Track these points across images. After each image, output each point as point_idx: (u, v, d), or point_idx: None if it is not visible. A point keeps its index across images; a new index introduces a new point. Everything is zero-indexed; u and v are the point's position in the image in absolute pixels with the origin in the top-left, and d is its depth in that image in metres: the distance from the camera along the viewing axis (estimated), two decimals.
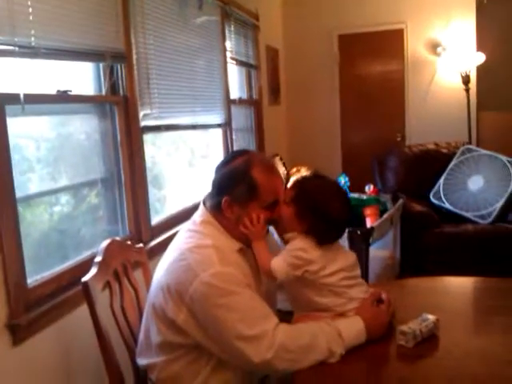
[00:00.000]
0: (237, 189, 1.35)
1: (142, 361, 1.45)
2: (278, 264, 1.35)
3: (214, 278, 1.25)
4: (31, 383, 1.56)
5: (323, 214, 1.35)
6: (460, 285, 1.90)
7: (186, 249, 1.34)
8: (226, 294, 1.25)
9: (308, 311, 1.40)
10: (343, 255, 1.42)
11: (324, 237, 1.36)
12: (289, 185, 1.43)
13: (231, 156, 1.44)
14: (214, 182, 1.42)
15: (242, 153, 1.43)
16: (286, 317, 1.44)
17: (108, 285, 1.53)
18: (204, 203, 1.45)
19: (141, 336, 1.46)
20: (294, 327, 1.32)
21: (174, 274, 1.32)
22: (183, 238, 1.41)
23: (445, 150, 4.27)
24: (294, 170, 1.36)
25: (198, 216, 1.43)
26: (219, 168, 1.42)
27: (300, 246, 1.35)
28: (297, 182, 1.42)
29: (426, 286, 1.84)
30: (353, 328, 1.32)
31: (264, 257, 1.38)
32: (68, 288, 1.72)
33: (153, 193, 2.51)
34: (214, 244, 1.33)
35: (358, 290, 1.40)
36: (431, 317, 1.36)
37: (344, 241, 2.27)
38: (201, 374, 1.35)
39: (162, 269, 1.38)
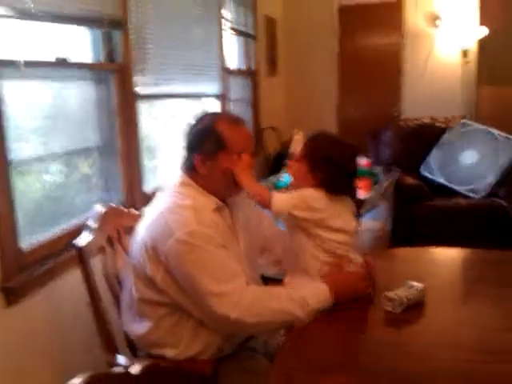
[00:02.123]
0: (205, 144, 1.40)
1: (126, 327, 1.48)
2: (281, 198, 1.40)
3: (189, 236, 1.30)
4: (24, 344, 1.59)
5: (336, 162, 1.41)
6: (449, 255, 1.93)
7: (164, 208, 1.38)
8: (199, 251, 1.30)
9: (296, 264, 1.45)
10: (347, 218, 1.45)
11: (335, 186, 1.42)
12: (296, 143, 1.47)
13: (200, 117, 1.48)
14: (186, 144, 1.45)
15: (206, 114, 1.49)
16: (270, 283, 1.47)
17: (102, 250, 1.55)
18: (181, 167, 1.48)
19: (124, 299, 1.49)
20: (263, 289, 1.37)
21: (152, 233, 1.36)
22: (163, 198, 1.44)
23: (441, 125, 4.26)
24: (296, 130, 1.40)
25: (175, 179, 1.47)
26: (189, 129, 1.46)
27: (309, 194, 1.40)
28: (308, 140, 1.48)
29: (414, 256, 1.87)
30: (317, 294, 1.36)
31: (255, 186, 1.43)
32: (61, 252, 1.74)
33: (146, 163, 2.50)
34: (192, 205, 1.36)
35: (353, 257, 1.44)
36: (418, 284, 1.39)
37: None
38: (184, 338, 1.39)
39: (142, 228, 1.41)
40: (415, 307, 1.36)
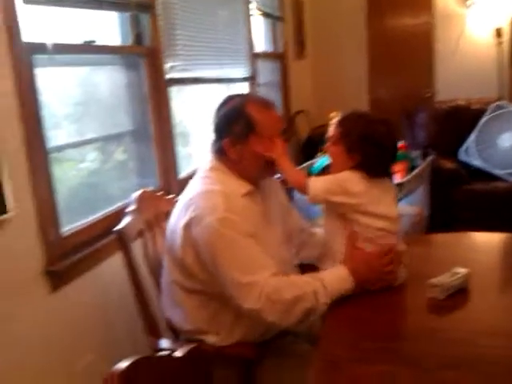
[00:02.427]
0: (235, 127, 1.38)
1: (166, 312, 1.50)
2: (316, 183, 1.38)
3: (218, 222, 1.29)
4: (68, 329, 1.62)
5: (373, 140, 1.35)
6: (490, 240, 1.88)
7: (195, 193, 1.38)
8: (227, 239, 1.30)
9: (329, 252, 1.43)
10: (388, 203, 1.41)
11: (375, 167, 1.37)
12: (332, 126, 1.43)
13: (227, 99, 1.45)
14: (214, 127, 1.43)
15: (235, 95, 1.46)
16: (307, 269, 1.46)
17: (141, 234, 1.57)
18: (211, 151, 1.47)
19: (163, 283, 1.50)
20: (282, 280, 1.33)
21: (183, 217, 1.36)
22: (194, 183, 1.44)
23: (476, 106, 4.16)
24: (334, 113, 1.37)
25: (206, 163, 1.46)
26: (217, 112, 1.44)
27: (346, 177, 1.36)
28: (340, 120, 1.42)
29: (453, 241, 1.82)
30: (335, 275, 1.34)
31: (294, 171, 1.42)
32: (101, 237, 1.77)
33: (180, 149, 2.51)
34: (221, 190, 1.35)
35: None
36: (462, 270, 1.36)
37: None
38: (225, 326, 1.40)
39: (175, 213, 1.42)
40: (459, 293, 1.32)
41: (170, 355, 0.88)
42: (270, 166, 1.42)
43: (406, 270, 1.41)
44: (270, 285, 1.29)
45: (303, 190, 1.38)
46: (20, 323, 1.45)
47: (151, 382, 0.80)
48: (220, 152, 1.42)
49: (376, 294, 1.35)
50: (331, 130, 1.43)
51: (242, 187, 1.40)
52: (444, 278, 1.32)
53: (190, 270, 1.36)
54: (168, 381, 0.85)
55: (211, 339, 1.40)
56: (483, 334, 1.18)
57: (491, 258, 1.70)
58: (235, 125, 1.38)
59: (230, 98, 1.44)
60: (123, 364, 0.74)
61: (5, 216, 1.38)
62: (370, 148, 1.35)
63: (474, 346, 1.12)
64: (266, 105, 1.42)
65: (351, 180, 1.36)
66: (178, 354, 0.89)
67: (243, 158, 1.39)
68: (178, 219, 1.39)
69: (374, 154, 1.36)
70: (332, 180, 1.37)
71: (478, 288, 1.36)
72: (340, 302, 1.34)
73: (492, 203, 3.52)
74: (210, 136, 1.47)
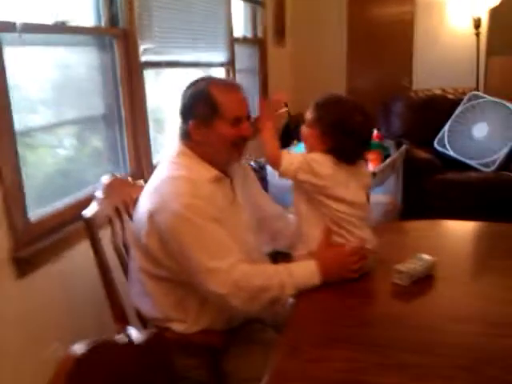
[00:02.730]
0: (198, 109, 1.38)
1: (134, 299, 1.49)
2: (289, 159, 1.38)
3: (183, 208, 1.29)
4: (34, 315, 1.61)
5: (347, 127, 1.36)
6: (459, 228, 1.92)
7: (160, 180, 1.37)
8: (192, 224, 1.29)
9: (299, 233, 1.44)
10: (356, 190, 1.41)
11: (345, 153, 1.38)
12: (309, 109, 1.43)
13: (192, 82, 1.45)
14: (180, 110, 1.43)
15: (200, 78, 1.45)
16: (280, 257, 1.46)
17: (109, 221, 1.55)
18: (178, 136, 1.46)
19: (130, 270, 1.50)
20: (252, 267, 1.35)
21: (148, 204, 1.36)
22: (161, 169, 1.44)
23: (451, 96, 4.21)
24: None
25: (173, 149, 1.46)
26: (182, 95, 1.43)
27: (316, 159, 1.37)
28: (317, 104, 1.42)
29: (425, 229, 1.86)
30: (304, 269, 1.36)
31: (273, 144, 1.42)
32: (70, 223, 1.75)
33: (155, 135, 2.48)
34: (187, 175, 1.35)
35: (360, 232, 1.41)
36: (428, 257, 1.38)
37: None
38: (190, 313, 1.40)
39: (141, 199, 1.42)
40: (424, 280, 1.35)
41: (128, 340, 0.88)
42: (236, 149, 1.41)
43: (375, 257, 1.42)
44: (237, 270, 1.29)
45: (276, 162, 1.39)
46: None
47: (107, 367, 0.80)
48: (186, 135, 1.41)
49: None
50: (308, 113, 1.43)
51: (209, 172, 1.39)
52: (409, 265, 1.34)
53: (156, 257, 1.36)
54: (125, 366, 0.85)
55: (178, 327, 1.40)
56: (446, 319, 1.20)
57: (460, 246, 1.74)
58: (199, 107, 1.37)
59: (195, 82, 1.43)
60: (80, 346, 0.73)
61: None
62: (342, 135, 1.36)
63: (437, 331, 1.15)
64: (230, 87, 1.42)
65: (320, 162, 1.36)
66: (137, 339, 0.89)
67: (208, 140, 1.38)
68: (143, 206, 1.38)
69: (346, 142, 1.36)
70: (302, 158, 1.38)
71: (444, 275, 1.39)
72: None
73: (464, 193, 3.58)
74: (177, 120, 1.46)
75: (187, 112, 1.40)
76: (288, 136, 4.20)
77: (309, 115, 1.42)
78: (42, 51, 1.82)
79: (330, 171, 1.36)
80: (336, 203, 1.37)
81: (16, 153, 1.55)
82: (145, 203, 1.37)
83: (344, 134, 1.35)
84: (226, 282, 1.28)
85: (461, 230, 1.90)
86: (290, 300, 1.38)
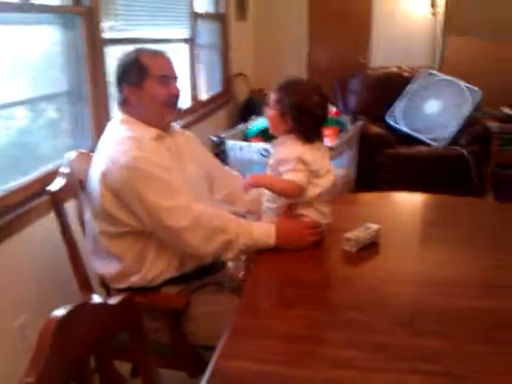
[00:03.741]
0: (130, 74, 1.49)
1: (96, 267, 1.55)
2: (299, 179, 1.43)
3: (133, 160, 1.39)
4: (2, 287, 1.64)
5: (305, 108, 1.45)
6: (406, 200, 2.04)
7: (107, 144, 1.48)
8: (144, 173, 1.39)
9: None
10: (328, 165, 1.52)
11: (305, 132, 1.46)
12: (271, 91, 1.52)
13: (123, 53, 1.56)
14: (114, 81, 1.54)
15: (133, 49, 1.55)
16: None
17: (74, 194, 1.60)
18: (117, 105, 1.56)
19: (89, 238, 1.56)
20: (211, 209, 1.48)
21: (98, 166, 1.44)
22: (105, 137, 1.53)
23: (407, 74, 4.34)
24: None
25: (114, 119, 1.56)
26: (116, 66, 1.54)
27: (297, 153, 1.43)
28: (278, 86, 1.51)
29: (375, 200, 1.99)
30: (262, 228, 1.48)
31: (277, 182, 1.47)
32: (34, 198, 1.78)
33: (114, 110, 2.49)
34: (131, 135, 1.45)
35: (324, 208, 1.52)
36: (374, 225, 1.50)
37: None
38: (147, 259, 1.48)
39: (92, 168, 1.50)
40: (371, 247, 1.47)
41: (104, 303, 0.95)
42: (168, 107, 1.52)
43: (327, 223, 1.53)
44: (196, 208, 1.41)
45: (292, 192, 1.45)
46: None
47: (86, 329, 0.86)
48: (124, 102, 1.52)
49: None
50: (271, 95, 1.52)
51: (151, 132, 1.50)
52: (357, 233, 1.46)
53: (113, 215, 1.43)
54: (102, 328, 0.92)
55: (135, 278, 1.47)
56: (388, 281, 1.32)
57: (405, 216, 1.86)
58: (130, 72, 1.49)
59: (125, 53, 1.54)
60: (60, 312, 0.79)
61: None
62: (300, 115, 1.45)
63: (380, 292, 1.27)
64: (156, 52, 1.55)
65: (301, 152, 1.44)
66: (112, 301, 0.96)
67: (142, 101, 1.49)
68: (94, 171, 1.46)
69: (304, 121, 1.46)
70: (294, 166, 1.43)
71: (388, 242, 1.51)
72: (263, 252, 1.46)
73: (415, 166, 3.75)
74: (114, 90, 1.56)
75: (121, 80, 1.51)
76: (248, 111, 4.26)
77: (271, 97, 1.51)
78: (6, 30, 1.81)
79: (310, 156, 1.44)
80: (322, 180, 1.47)
81: None
82: (96, 167, 1.46)
83: (301, 114, 1.45)
84: (185, 216, 1.39)
85: (407, 202, 2.03)
86: (237, 256, 1.48)
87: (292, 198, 1.48)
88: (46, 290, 1.84)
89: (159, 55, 1.54)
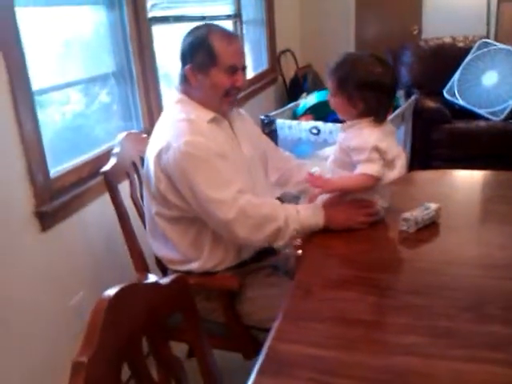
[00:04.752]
0: (197, 56, 1.42)
1: (153, 247, 1.57)
2: (375, 171, 1.36)
3: (186, 145, 1.35)
4: (59, 266, 1.69)
5: (372, 85, 1.35)
6: (465, 178, 1.95)
7: (163, 126, 1.45)
8: (196, 159, 1.36)
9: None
10: (394, 144, 1.43)
11: (378, 108, 1.38)
12: (328, 77, 1.43)
13: (191, 30, 1.48)
14: (179, 56, 1.48)
15: (201, 26, 1.48)
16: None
17: (127, 175, 1.61)
18: (177, 81, 1.52)
19: (147, 220, 1.57)
20: (258, 199, 1.43)
21: (153, 147, 1.42)
22: (162, 118, 1.50)
23: (461, 44, 4.13)
24: None
25: (171, 98, 1.52)
26: (182, 41, 1.48)
27: (372, 142, 1.35)
28: (334, 70, 1.41)
29: (432, 179, 1.91)
30: (310, 210, 1.43)
31: (351, 180, 1.41)
32: (88, 179, 1.81)
33: (164, 91, 2.50)
34: (186, 117, 1.42)
35: (383, 190, 1.45)
36: (433, 205, 1.43)
37: None
38: (206, 248, 1.48)
39: (148, 149, 1.48)
40: (430, 227, 1.41)
41: (156, 283, 0.95)
42: (228, 98, 1.47)
43: (386, 207, 1.47)
44: (243, 199, 1.37)
45: (366, 183, 1.39)
46: (14, 261, 1.51)
47: (138, 308, 0.86)
48: (183, 80, 1.48)
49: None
50: (328, 82, 1.43)
51: (206, 114, 1.46)
52: (415, 213, 1.39)
53: (168, 198, 1.42)
54: (154, 308, 0.92)
55: (194, 265, 1.48)
56: (449, 264, 1.26)
57: (465, 195, 1.78)
58: (198, 54, 1.43)
59: (195, 28, 1.47)
60: (111, 291, 0.79)
61: None
62: (369, 93, 1.35)
63: (440, 274, 1.21)
64: (229, 36, 1.45)
65: (377, 142, 1.35)
66: (165, 281, 0.96)
67: (203, 86, 1.45)
68: (149, 153, 1.45)
69: (375, 98, 1.36)
70: (369, 155, 1.35)
71: (448, 222, 1.45)
72: (316, 234, 1.42)
73: (473, 142, 3.58)
74: (177, 70, 1.51)
75: (186, 57, 1.46)
76: (297, 87, 4.19)
77: (329, 84, 1.42)
78: (52, 11, 1.83)
79: (384, 143, 1.36)
80: (394, 167, 1.40)
81: (34, 111, 1.60)
82: (151, 148, 1.44)
83: (371, 90, 1.35)
84: (231, 208, 1.36)
85: (467, 180, 1.94)
86: (299, 244, 1.45)
87: (366, 188, 1.41)
88: (103, 269, 1.88)
89: (232, 40, 1.45)
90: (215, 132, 1.45)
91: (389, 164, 1.39)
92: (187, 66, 1.44)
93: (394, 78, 1.43)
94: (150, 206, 1.51)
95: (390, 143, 1.39)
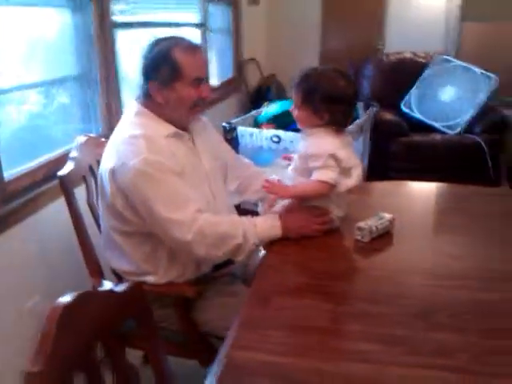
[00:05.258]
0: (161, 71, 1.39)
1: (107, 257, 1.54)
2: (330, 177, 1.39)
3: (141, 164, 1.32)
4: (13, 271, 1.65)
5: (337, 98, 1.39)
6: (420, 189, 2.01)
7: (119, 139, 1.41)
8: (152, 179, 1.33)
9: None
10: (352, 155, 1.47)
11: (341, 120, 1.43)
12: (293, 90, 1.46)
13: (154, 42, 1.45)
14: (141, 70, 1.44)
15: (162, 39, 1.45)
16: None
17: (83, 179, 1.58)
18: (137, 95, 1.48)
19: (102, 226, 1.55)
20: (215, 217, 1.43)
21: (108, 163, 1.38)
22: (119, 130, 1.46)
23: (422, 60, 4.25)
24: None
25: (131, 109, 1.48)
26: (144, 55, 1.44)
27: (329, 149, 1.39)
28: (299, 83, 1.44)
29: (388, 189, 1.95)
30: (266, 221, 1.45)
31: (308, 186, 1.43)
32: (44, 182, 1.77)
33: (125, 95, 2.48)
34: (144, 133, 1.38)
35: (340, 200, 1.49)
36: (387, 215, 1.47)
37: None
38: (162, 263, 1.46)
39: (102, 160, 1.45)
40: (384, 237, 1.44)
41: (111, 290, 0.94)
42: (195, 110, 1.46)
43: (341, 216, 1.50)
44: (201, 219, 1.36)
45: (321, 190, 1.41)
46: None
47: (92, 316, 0.85)
48: (146, 95, 1.44)
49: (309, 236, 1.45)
50: (293, 95, 1.46)
51: (166, 129, 1.43)
52: (370, 222, 1.43)
53: (122, 214, 1.40)
54: (108, 315, 0.91)
55: (150, 279, 1.46)
56: (403, 272, 1.30)
57: (418, 206, 1.83)
58: (161, 69, 1.39)
59: (157, 42, 1.44)
60: (65, 299, 0.78)
61: None
62: (334, 105, 1.40)
63: (394, 283, 1.24)
64: (192, 49, 1.43)
65: (335, 150, 1.39)
66: (119, 289, 0.95)
67: (169, 101, 1.41)
68: (105, 166, 1.41)
69: (340, 110, 1.41)
70: (325, 162, 1.39)
71: (402, 232, 1.48)
72: (274, 243, 1.44)
73: (429, 154, 3.69)
74: (137, 79, 1.47)
75: (149, 73, 1.41)
76: (260, 96, 4.22)
77: (294, 96, 1.45)
78: (15, 11, 1.79)
79: (343, 152, 1.40)
80: (351, 177, 1.44)
81: None
82: (106, 163, 1.40)
83: (335, 102, 1.39)
84: (189, 229, 1.34)
85: (421, 191, 1.99)
86: (260, 253, 1.46)
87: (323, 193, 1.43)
88: (57, 273, 1.84)
89: (196, 52, 1.43)
90: (174, 147, 1.42)
91: (345, 172, 1.43)
92: (151, 83, 1.40)
93: (356, 89, 1.49)
94: (104, 218, 1.48)
95: (348, 153, 1.43)
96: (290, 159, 1.53)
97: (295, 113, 1.47)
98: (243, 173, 1.74)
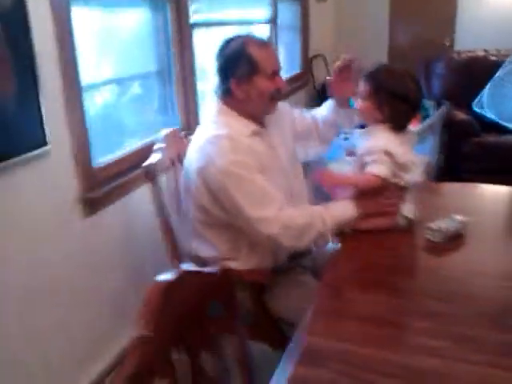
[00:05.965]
0: (238, 68, 1.46)
1: (189, 245, 1.63)
2: (382, 172, 1.44)
3: (228, 164, 1.40)
4: (100, 248, 1.81)
5: (402, 94, 1.44)
6: (493, 192, 1.94)
7: (204, 139, 1.48)
8: (238, 178, 1.41)
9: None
10: (411, 153, 1.51)
11: (402, 120, 1.47)
12: (361, 82, 1.50)
13: (224, 42, 1.52)
14: (218, 70, 1.51)
15: (234, 38, 1.52)
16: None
17: (166, 169, 1.69)
18: (217, 94, 1.55)
19: (184, 220, 1.64)
20: (295, 209, 1.49)
21: (195, 161, 1.47)
22: (203, 129, 1.54)
23: (494, 58, 4.08)
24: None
25: (213, 107, 1.56)
26: (217, 56, 1.51)
27: (383, 145, 1.44)
28: (369, 76, 1.49)
29: (460, 191, 1.92)
30: (339, 204, 1.51)
31: (359, 178, 1.49)
32: (130, 170, 1.92)
33: (201, 88, 2.59)
34: (228, 134, 1.45)
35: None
36: (459, 217, 1.47)
37: None
38: (242, 252, 1.54)
39: (187, 157, 1.54)
40: (455, 238, 1.43)
41: (203, 271, 0.99)
42: (273, 102, 1.53)
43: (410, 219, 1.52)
44: (283, 214, 1.44)
45: (369, 184, 1.46)
46: (60, 242, 1.63)
47: (187, 294, 0.91)
48: (227, 93, 1.51)
49: (379, 233, 1.48)
50: (360, 86, 1.50)
51: (247, 127, 1.50)
52: (442, 223, 1.43)
53: (207, 208, 1.49)
54: (202, 295, 0.96)
55: (231, 264, 1.53)
56: (473, 273, 1.29)
57: (493, 209, 1.78)
58: (238, 66, 1.46)
59: (228, 41, 1.51)
60: (167, 275, 0.83)
61: (45, 148, 1.52)
62: (398, 104, 1.44)
63: (464, 283, 1.24)
64: (264, 44, 1.51)
65: (389, 145, 1.43)
66: (211, 270, 1.00)
67: (250, 96, 1.48)
68: (191, 164, 1.49)
69: (403, 110, 1.45)
70: (380, 158, 1.43)
71: (474, 234, 1.47)
72: (344, 239, 1.48)
73: (502, 156, 3.54)
74: (214, 79, 1.55)
75: (227, 71, 1.48)
76: (326, 93, 4.22)
77: (362, 88, 1.50)
78: (101, 13, 1.93)
79: (398, 148, 1.44)
80: (408, 173, 1.48)
81: (82, 105, 1.69)
82: (192, 161, 1.49)
83: (400, 102, 1.43)
84: (275, 225, 1.42)
85: (496, 194, 1.92)
86: (329, 246, 1.52)
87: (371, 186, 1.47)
88: (140, 254, 1.99)
89: (268, 47, 1.51)
90: (255, 145, 1.49)
91: (404, 168, 1.46)
92: (231, 81, 1.47)
93: (421, 96, 1.53)
94: (188, 209, 1.57)
95: (405, 150, 1.45)
96: (352, 155, 1.57)
97: (359, 103, 1.51)
98: (318, 128, 1.80)
